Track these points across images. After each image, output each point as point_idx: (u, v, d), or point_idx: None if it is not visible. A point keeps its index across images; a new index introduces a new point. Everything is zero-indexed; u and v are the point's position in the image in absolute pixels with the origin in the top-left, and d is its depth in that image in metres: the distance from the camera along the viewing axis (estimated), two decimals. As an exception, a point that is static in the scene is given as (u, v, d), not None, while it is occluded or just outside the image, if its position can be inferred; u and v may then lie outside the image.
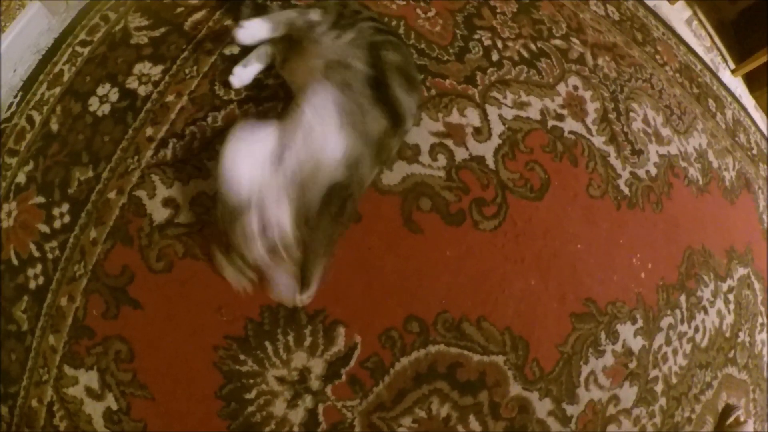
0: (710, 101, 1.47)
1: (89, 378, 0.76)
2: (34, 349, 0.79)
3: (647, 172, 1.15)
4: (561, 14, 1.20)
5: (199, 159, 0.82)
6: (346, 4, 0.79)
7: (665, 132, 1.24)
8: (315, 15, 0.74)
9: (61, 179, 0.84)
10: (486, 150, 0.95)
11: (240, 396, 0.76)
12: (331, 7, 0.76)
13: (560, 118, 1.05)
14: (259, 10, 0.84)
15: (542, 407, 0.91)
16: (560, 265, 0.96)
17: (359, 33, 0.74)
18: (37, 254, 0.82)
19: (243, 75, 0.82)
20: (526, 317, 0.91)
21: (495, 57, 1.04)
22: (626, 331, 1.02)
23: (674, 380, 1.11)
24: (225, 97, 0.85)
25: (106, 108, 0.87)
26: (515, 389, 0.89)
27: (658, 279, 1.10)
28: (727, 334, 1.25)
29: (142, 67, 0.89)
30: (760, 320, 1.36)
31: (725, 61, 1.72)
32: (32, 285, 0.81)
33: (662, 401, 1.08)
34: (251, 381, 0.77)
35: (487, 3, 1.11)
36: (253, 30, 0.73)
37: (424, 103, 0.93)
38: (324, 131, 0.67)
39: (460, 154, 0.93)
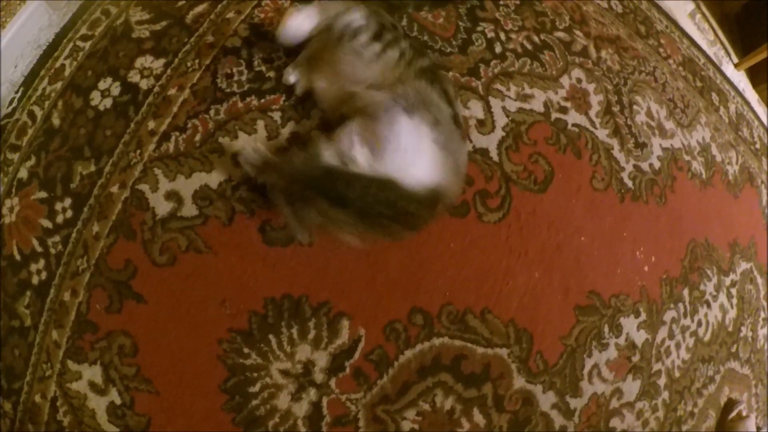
0: (713, 95, 1.46)
1: (93, 373, 0.77)
2: (38, 344, 0.79)
3: (651, 165, 1.14)
4: (564, 6, 1.19)
5: (201, 152, 0.82)
6: (381, 14, 0.76)
7: (668, 125, 1.24)
8: (357, 17, 0.70)
9: (63, 174, 0.84)
10: (490, 142, 0.95)
11: (244, 389, 0.76)
12: (373, 15, 0.73)
13: (564, 110, 1.05)
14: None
15: (546, 400, 0.91)
16: (564, 258, 0.96)
17: (401, 53, 0.71)
18: (39, 249, 0.82)
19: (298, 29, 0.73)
20: (530, 310, 0.91)
21: (498, 49, 1.03)
22: (630, 324, 1.02)
23: (677, 374, 1.11)
24: (227, 90, 0.85)
25: (108, 102, 0.87)
26: (519, 382, 0.89)
27: (661, 272, 1.09)
28: (730, 329, 1.24)
29: (144, 61, 0.89)
30: (762, 315, 1.36)
31: (728, 54, 1.71)
32: (35, 280, 0.81)
33: (665, 395, 1.08)
34: (255, 374, 0.77)
35: (489, -5, 1.10)
36: (298, 26, 0.70)
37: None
38: (416, 157, 0.67)
39: (465, 145, 0.92)
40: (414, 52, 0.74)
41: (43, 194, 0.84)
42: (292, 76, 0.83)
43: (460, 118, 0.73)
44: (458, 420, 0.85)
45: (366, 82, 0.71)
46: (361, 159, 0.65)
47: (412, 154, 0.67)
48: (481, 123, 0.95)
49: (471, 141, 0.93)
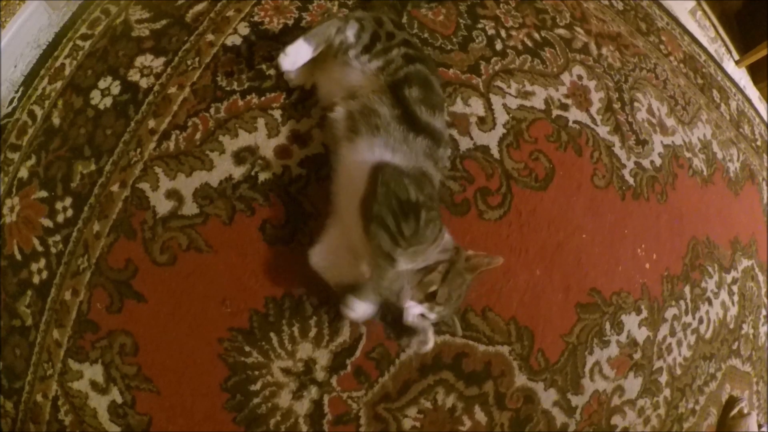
0: (714, 92, 1.46)
1: (94, 372, 0.77)
2: (39, 344, 0.79)
3: (652, 162, 1.14)
4: (565, 3, 1.19)
5: (201, 150, 0.82)
6: (382, 22, 0.78)
7: (669, 122, 1.23)
8: (351, 32, 0.73)
9: (63, 173, 0.84)
10: (490, 139, 0.95)
11: (245, 388, 0.76)
12: (368, 24, 0.75)
13: (565, 107, 1.05)
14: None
15: (547, 398, 0.91)
16: (565, 256, 0.96)
17: (387, 63, 0.75)
18: (40, 249, 0.82)
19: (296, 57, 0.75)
20: (531, 307, 0.90)
21: (499, 46, 1.03)
22: (631, 321, 1.02)
23: (678, 371, 1.11)
24: (227, 88, 0.85)
25: (108, 101, 0.87)
26: (520, 380, 0.89)
27: (662, 270, 1.09)
28: (731, 326, 1.24)
29: (144, 60, 0.88)
30: (763, 312, 1.36)
31: (729, 52, 1.71)
32: (36, 280, 0.81)
33: (666, 392, 1.08)
34: (256, 373, 0.77)
35: (490, -8, 1.10)
36: (297, 53, 0.73)
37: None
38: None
39: (465, 144, 0.92)
40: (405, 60, 0.76)
41: (43, 193, 0.84)
42: (293, 72, 0.83)
43: (417, 114, 0.74)
44: (459, 418, 0.84)
45: (347, 89, 0.74)
46: None
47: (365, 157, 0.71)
48: (481, 120, 0.95)
49: (472, 138, 0.93)
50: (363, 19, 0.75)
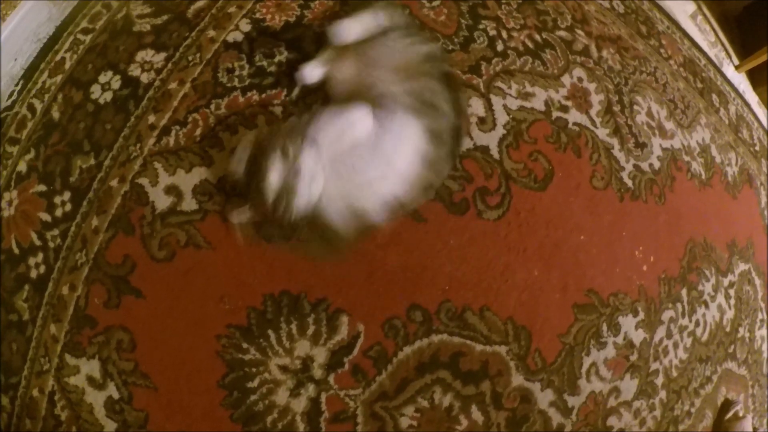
0: (714, 96, 1.46)
1: (91, 367, 0.76)
2: (35, 338, 0.79)
3: (650, 165, 1.15)
4: (566, 5, 1.19)
5: (201, 146, 0.82)
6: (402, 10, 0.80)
7: (669, 125, 1.24)
8: (384, 17, 0.75)
9: (62, 168, 0.84)
10: (490, 139, 0.95)
11: (243, 385, 0.76)
12: (398, 13, 0.77)
13: (564, 109, 1.05)
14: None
15: (544, 398, 0.91)
16: (563, 256, 0.96)
17: (432, 53, 0.76)
18: (38, 243, 0.82)
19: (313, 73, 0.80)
20: (528, 307, 0.91)
21: (500, 47, 1.03)
22: (628, 323, 1.03)
23: (674, 373, 1.11)
24: (228, 85, 0.85)
25: (108, 96, 0.87)
26: (517, 379, 0.89)
27: (660, 271, 1.10)
28: (728, 329, 1.25)
29: (145, 55, 0.88)
30: (760, 316, 1.36)
31: (729, 56, 1.71)
32: (33, 274, 0.81)
33: (662, 394, 1.09)
34: (254, 370, 0.77)
35: (491, -7, 1.10)
36: (349, 27, 0.75)
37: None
38: (399, 160, 0.70)
39: (465, 144, 0.92)
40: (443, 54, 0.77)
41: (42, 188, 0.84)
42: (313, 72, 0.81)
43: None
44: (456, 417, 0.85)
45: (393, 65, 0.74)
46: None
47: (391, 156, 0.70)
48: (482, 120, 0.95)
49: (472, 138, 0.93)
50: (389, 5, 0.77)
